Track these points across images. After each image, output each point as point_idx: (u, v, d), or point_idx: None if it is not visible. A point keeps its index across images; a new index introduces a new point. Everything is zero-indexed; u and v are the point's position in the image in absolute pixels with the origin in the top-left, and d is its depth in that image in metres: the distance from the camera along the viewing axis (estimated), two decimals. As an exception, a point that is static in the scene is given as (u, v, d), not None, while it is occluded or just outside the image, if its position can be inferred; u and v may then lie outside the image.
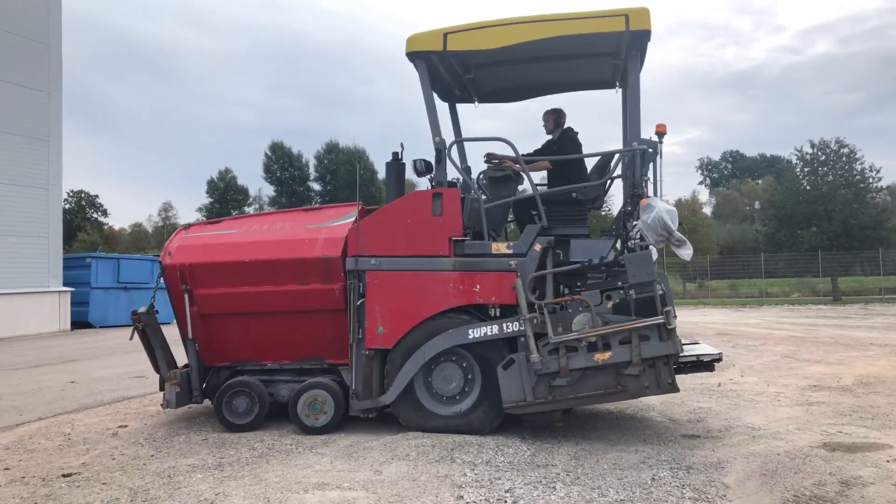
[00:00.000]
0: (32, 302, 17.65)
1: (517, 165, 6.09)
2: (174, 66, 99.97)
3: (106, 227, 67.12)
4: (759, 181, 71.00)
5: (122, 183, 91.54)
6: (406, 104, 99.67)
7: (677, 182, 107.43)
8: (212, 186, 64.07)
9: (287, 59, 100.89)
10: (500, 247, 5.68)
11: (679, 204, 43.95)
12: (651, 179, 5.60)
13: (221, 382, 6.18)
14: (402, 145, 6.27)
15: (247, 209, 62.88)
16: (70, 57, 18.09)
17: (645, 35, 5.54)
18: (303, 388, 5.87)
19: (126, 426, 6.21)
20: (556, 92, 7.36)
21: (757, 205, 62.74)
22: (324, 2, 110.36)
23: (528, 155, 6.33)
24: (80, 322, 18.86)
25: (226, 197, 62.42)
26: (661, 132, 5.60)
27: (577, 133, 6.54)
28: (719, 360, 5.83)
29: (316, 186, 64.24)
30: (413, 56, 5.89)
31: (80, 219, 58.94)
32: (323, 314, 5.95)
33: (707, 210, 62.18)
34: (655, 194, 5.55)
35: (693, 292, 32.41)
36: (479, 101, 7.30)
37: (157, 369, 6.42)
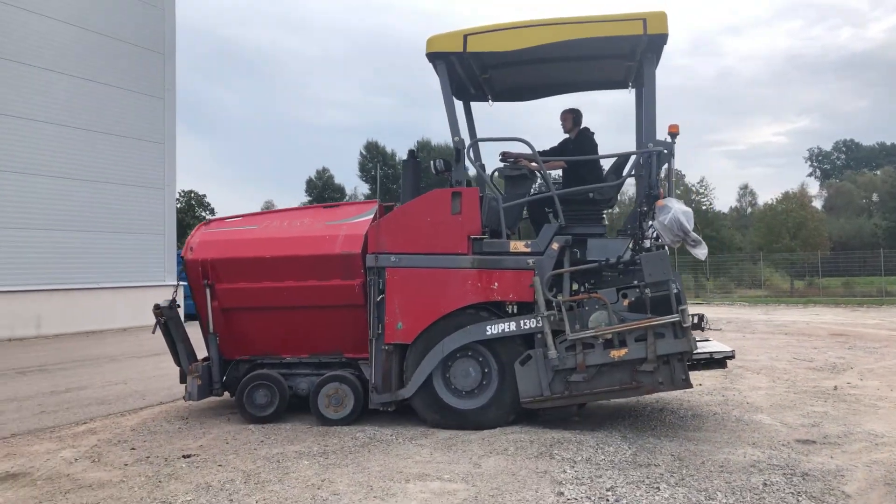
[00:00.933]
0: (151, 295, 18.90)
1: (533, 164, 6.18)
2: (273, 69, 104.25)
3: (215, 225, 70.72)
4: (878, 171, 66.01)
5: (226, 182, 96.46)
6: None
7: (782, 174, 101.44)
8: (310, 185, 66.46)
9: (380, 59, 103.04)
10: (518, 245, 5.79)
11: (786, 197, 41.55)
12: (665, 180, 5.78)
13: (241, 375, 6.34)
14: (417, 144, 6.41)
15: (343, 207, 64.69)
16: (179, 64, 19.41)
17: (662, 38, 5.67)
18: (323, 381, 6.00)
19: (237, 413, 6.55)
20: (570, 91, 7.49)
21: (875, 197, 58.32)
22: (413, 2, 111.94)
23: (544, 154, 6.42)
24: (191, 315, 20.04)
25: (323, 195, 64.46)
26: (673, 132, 5.72)
27: (593, 133, 6.63)
28: (732, 357, 5.93)
29: (409, 184, 65.27)
30: (433, 57, 6.00)
31: (191, 217, 62.48)
32: (342, 309, 6.05)
33: (817, 203, 58.41)
34: (669, 195, 5.69)
35: (802, 290, 30.52)
36: (494, 100, 7.37)
37: (177, 362, 6.60)
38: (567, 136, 6.76)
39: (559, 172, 6.65)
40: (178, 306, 6.69)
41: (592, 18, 5.75)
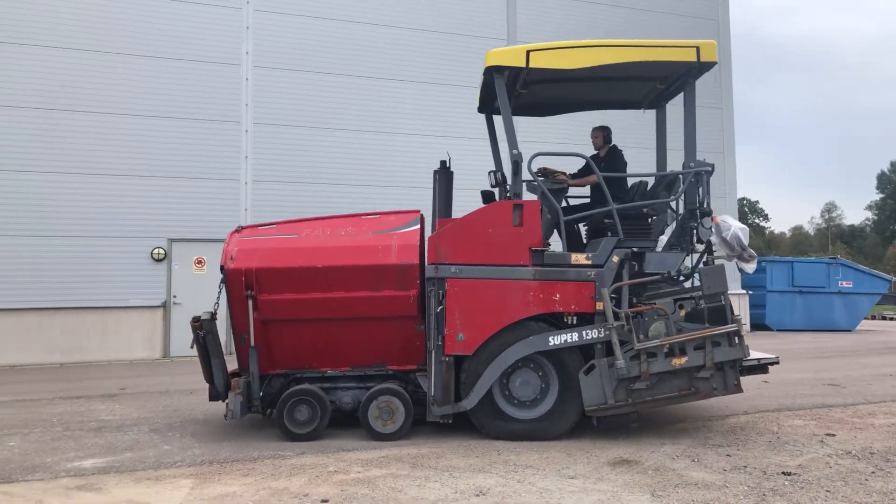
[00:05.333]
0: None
1: (572, 180, 6.69)
2: (825, 58, 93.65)
3: (767, 231, 68.13)
4: None
5: (779, 187, 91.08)
6: None
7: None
8: (882, 181, 57.44)
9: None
10: (579, 258, 5.91)
11: None
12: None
13: (276, 391, 6.08)
14: (448, 154, 6.81)
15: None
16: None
17: (710, 66, 6.13)
18: (374, 394, 5.87)
19: (834, 435, 6.01)
20: (588, 109, 7.74)
21: None
22: None
23: (576, 171, 6.86)
24: (758, 324, 19.52)
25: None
26: None
27: (621, 150, 7.00)
28: (776, 363, 6.22)
29: None
30: (493, 70, 6.14)
31: (745, 223, 61.82)
32: (392, 321, 5.99)
33: None
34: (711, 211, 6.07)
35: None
36: (513, 114, 6.96)
37: (208, 379, 6.19)
38: (597, 152, 7.08)
39: (587, 189, 6.98)
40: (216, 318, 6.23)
41: (651, 43, 6.14)
